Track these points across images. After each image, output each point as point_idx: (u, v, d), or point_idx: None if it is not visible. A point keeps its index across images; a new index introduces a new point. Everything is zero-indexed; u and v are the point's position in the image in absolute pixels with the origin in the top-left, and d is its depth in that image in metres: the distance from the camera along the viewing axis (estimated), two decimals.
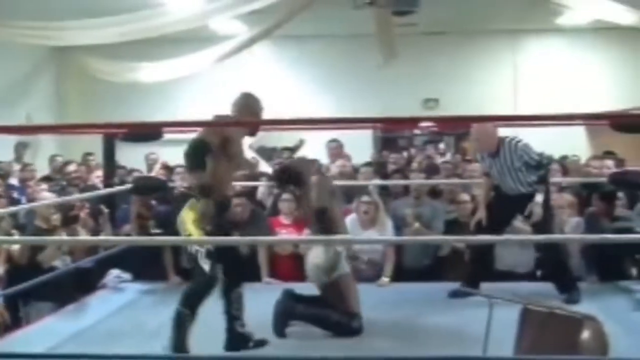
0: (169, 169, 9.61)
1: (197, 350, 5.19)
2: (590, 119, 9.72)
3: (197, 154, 5.45)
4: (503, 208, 6.91)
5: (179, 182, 8.32)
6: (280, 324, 5.78)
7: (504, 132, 7.00)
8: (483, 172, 7.13)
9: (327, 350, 5.34)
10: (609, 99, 14.47)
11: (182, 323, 5.29)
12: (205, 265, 5.35)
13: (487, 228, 6.77)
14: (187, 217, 5.48)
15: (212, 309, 5.46)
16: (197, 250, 5.40)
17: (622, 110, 12.94)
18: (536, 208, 6.70)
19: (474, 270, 7.02)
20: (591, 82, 15.36)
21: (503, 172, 6.76)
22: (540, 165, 6.75)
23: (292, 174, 6.13)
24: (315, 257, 6.00)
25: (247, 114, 5.69)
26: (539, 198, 6.74)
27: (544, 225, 6.68)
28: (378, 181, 8.81)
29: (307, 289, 6.13)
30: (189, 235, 5.43)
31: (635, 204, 8.00)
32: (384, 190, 8.49)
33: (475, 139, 6.97)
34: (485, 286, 6.56)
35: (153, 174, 9.37)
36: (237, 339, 5.48)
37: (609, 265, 7.38)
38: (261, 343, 5.53)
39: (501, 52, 15.92)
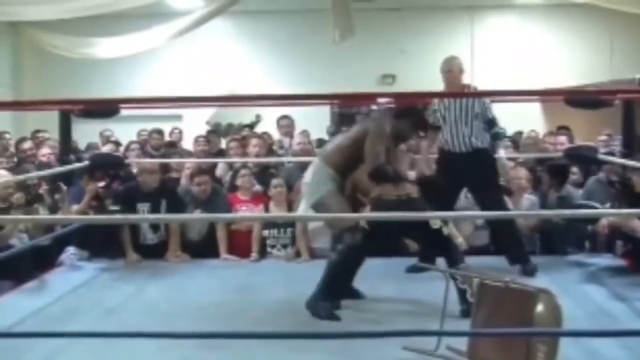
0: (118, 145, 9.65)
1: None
2: (545, 95, 9.83)
3: None
4: (452, 178, 6.84)
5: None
6: None
7: None
8: (432, 125, 7.13)
9: (281, 327, 5.36)
10: (565, 75, 14.61)
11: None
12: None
13: (438, 203, 6.79)
14: None
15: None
16: None
17: (576, 87, 13.08)
18: (504, 161, 6.86)
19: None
20: (547, 59, 15.46)
21: (460, 116, 6.82)
22: (493, 123, 6.86)
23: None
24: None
25: None
26: (502, 153, 6.88)
27: (498, 195, 6.85)
28: None
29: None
30: None
31: (588, 178, 8.11)
32: None
33: (448, 70, 7.00)
34: (441, 260, 6.66)
35: (104, 150, 9.31)
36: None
37: (560, 239, 7.51)
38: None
39: (458, 28, 15.94)
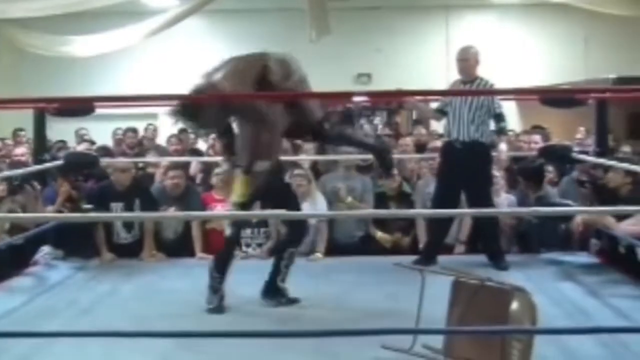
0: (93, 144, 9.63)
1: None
2: (520, 94, 9.87)
3: None
4: (452, 171, 7.01)
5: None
6: None
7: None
8: (437, 107, 7.27)
9: (257, 325, 5.36)
10: (540, 74, 14.68)
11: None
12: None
13: (443, 201, 6.88)
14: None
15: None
16: None
17: (552, 86, 13.15)
18: (502, 155, 7.05)
19: (431, 243, 7.23)
20: (522, 58, 15.54)
21: (464, 104, 6.88)
22: (500, 117, 6.97)
23: None
24: None
25: None
26: (503, 146, 7.02)
27: (485, 190, 6.94)
28: (309, 156, 8.77)
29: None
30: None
31: (563, 177, 8.15)
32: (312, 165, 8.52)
33: (464, 58, 7.09)
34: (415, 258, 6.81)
35: (79, 149, 9.26)
36: (274, 290, 5.86)
37: (536, 238, 7.56)
38: (294, 300, 5.85)
39: (434, 28, 15.98)
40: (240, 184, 5.68)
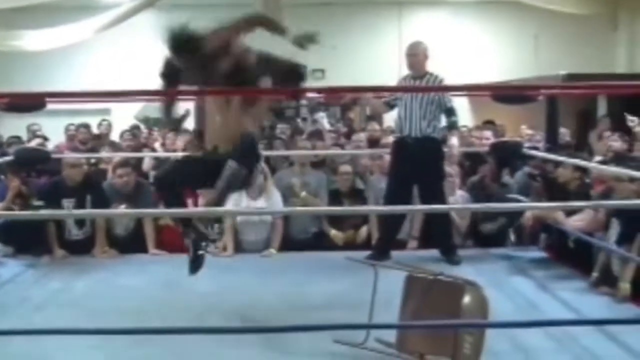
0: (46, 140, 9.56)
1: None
2: (471, 90, 9.94)
3: None
4: (404, 167, 7.02)
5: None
6: None
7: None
8: (385, 100, 7.28)
9: (210, 321, 5.35)
10: (492, 71, 14.80)
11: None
12: None
13: (395, 197, 6.92)
14: None
15: None
16: None
17: (503, 82, 13.26)
18: (453, 150, 7.04)
19: (383, 239, 7.26)
20: (475, 54, 15.65)
21: (415, 98, 6.90)
22: (451, 112, 6.99)
23: None
24: None
25: None
26: (455, 141, 7.04)
27: (437, 185, 6.98)
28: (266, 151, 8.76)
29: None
30: None
31: (515, 173, 8.23)
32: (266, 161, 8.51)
33: (413, 54, 7.12)
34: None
35: (32, 145, 9.17)
36: None
37: (487, 232, 7.64)
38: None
39: (387, 24, 16.03)
40: None
